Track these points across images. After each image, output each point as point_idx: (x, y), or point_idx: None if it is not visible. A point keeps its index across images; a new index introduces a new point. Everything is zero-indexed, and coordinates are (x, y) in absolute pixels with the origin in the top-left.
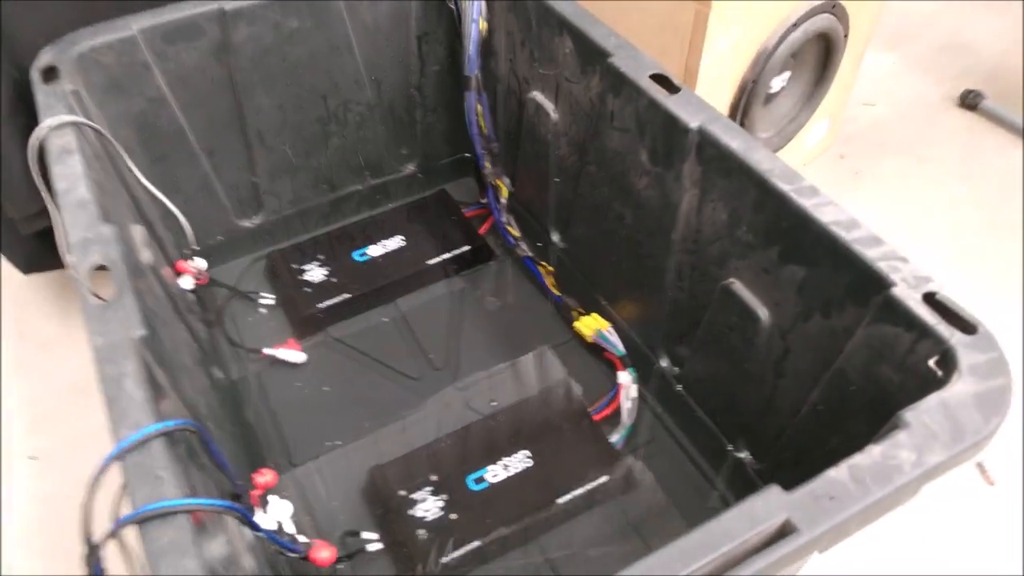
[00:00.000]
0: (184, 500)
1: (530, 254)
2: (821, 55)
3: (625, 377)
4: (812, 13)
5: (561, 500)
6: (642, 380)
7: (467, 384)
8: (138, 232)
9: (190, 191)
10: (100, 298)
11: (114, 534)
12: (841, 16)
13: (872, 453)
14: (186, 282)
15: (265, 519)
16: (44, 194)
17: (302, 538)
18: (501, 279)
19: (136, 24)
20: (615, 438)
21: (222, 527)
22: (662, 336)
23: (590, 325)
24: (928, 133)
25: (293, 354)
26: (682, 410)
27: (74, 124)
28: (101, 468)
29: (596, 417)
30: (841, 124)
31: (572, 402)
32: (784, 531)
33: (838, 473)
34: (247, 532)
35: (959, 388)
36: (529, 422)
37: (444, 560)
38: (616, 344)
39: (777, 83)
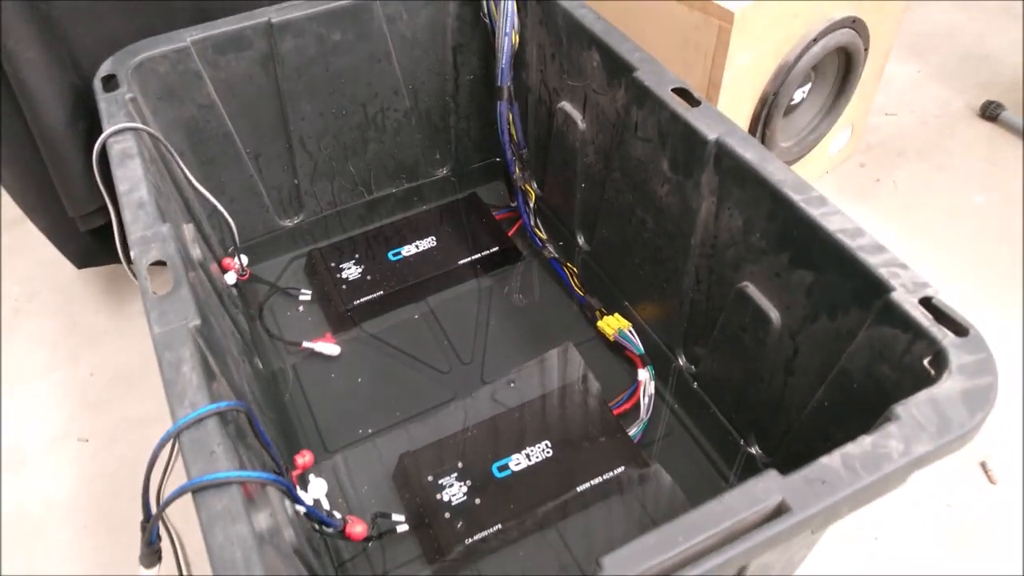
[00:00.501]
0: (236, 472)
1: (556, 255)
2: (841, 68)
3: (644, 374)
4: (832, 28)
5: (580, 488)
6: (660, 378)
7: (493, 378)
8: (189, 230)
9: (235, 192)
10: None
11: (172, 502)
12: (861, 31)
13: (863, 443)
14: (230, 278)
15: (305, 496)
16: (105, 195)
17: (337, 514)
18: (528, 279)
19: (190, 36)
20: (633, 431)
21: (266, 502)
22: (680, 336)
23: (612, 324)
24: (948, 143)
25: (329, 347)
26: (698, 407)
27: (134, 130)
28: (161, 442)
29: (616, 412)
30: (862, 133)
31: (593, 397)
32: (779, 511)
33: (831, 460)
34: (288, 507)
35: (948, 385)
36: (551, 414)
37: (468, 542)
38: (636, 343)
39: (798, 95)
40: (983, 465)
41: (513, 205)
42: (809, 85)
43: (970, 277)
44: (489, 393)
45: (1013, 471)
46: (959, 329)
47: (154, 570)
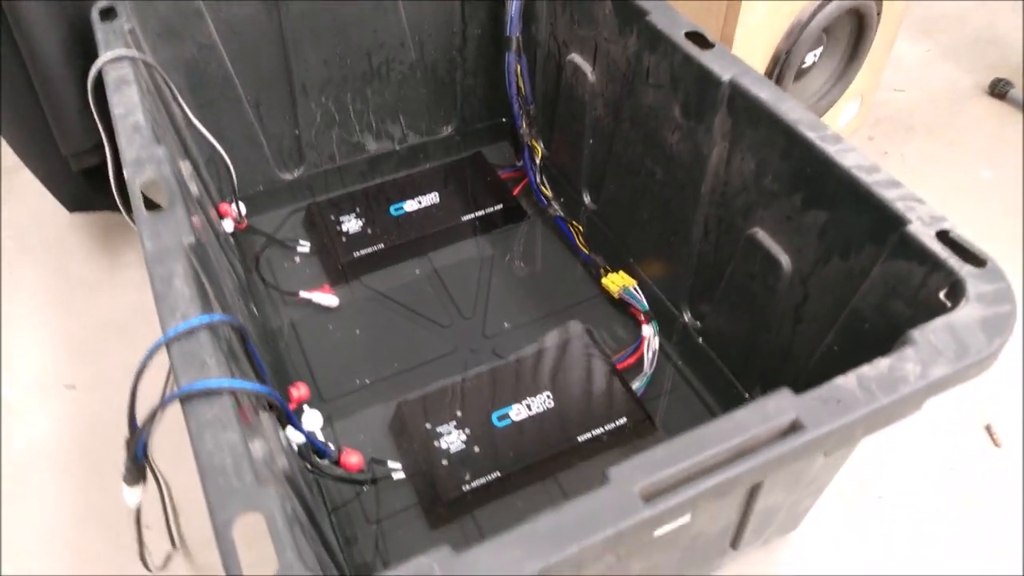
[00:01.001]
0: (228, 380)
1: (561, 214)
2: (854, 32)
3: (648, 330)
4: None
5: (581, 439)
6: (665, 335)
7: (494, 333)
8: (186, 168)
9: (234, 139)
10: (153, 206)
11: (160, 411)
12: None
13: (880, 365)
14: (227, 225)
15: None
16: (100, 127)
17: (331, 446)
18: (532, 238)
19: None
20: (636, 385)
21: (259, 430)
22: (686, 291)
23: (617, 282)
24: (956, 119)
25: (327, 298)
26: (703, 362)
27: (131, 59)
28: (149, 353)
29: (619, 366)
30: (871, 107)
31: (596, 350)
32: (793, 428)
33: (846, 380)
34: (282, 438)
35: (966, 312)
36: (553, 366)
37: (465, 489)
38: (641, 299)
39: (810, 58)
40: (988, 428)
41: (519, 164)
42: (821, 49)
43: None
44: (490, 347)
45: (1017, 434)
46: (977, 261)
47: (138, 491)
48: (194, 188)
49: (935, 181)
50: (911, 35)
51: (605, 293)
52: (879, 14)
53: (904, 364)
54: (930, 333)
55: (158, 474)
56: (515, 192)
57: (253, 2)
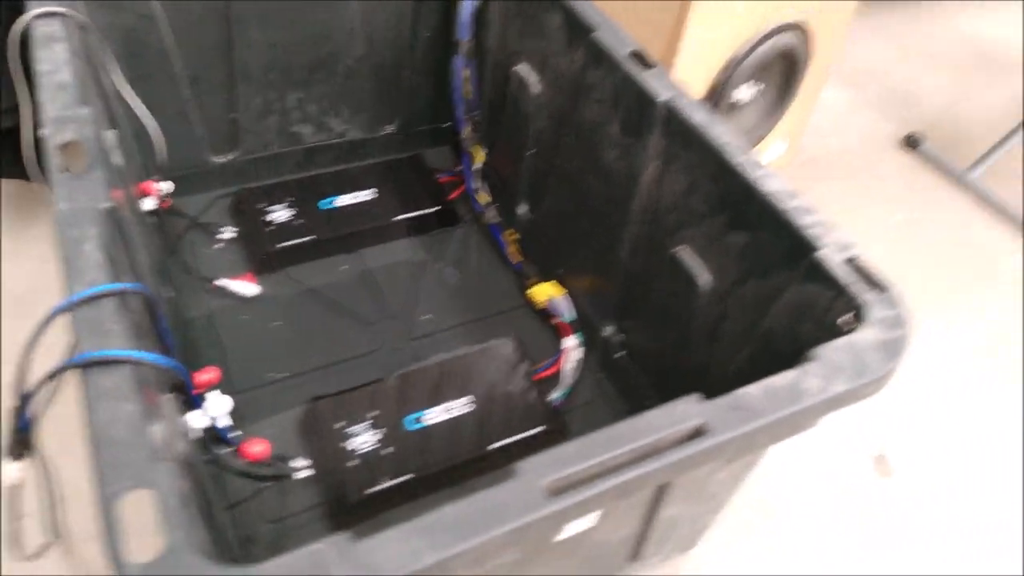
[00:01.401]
0: (130, 351)
1: (496, 221)
2: (785, 73)
3: (570, 341)
4: (780, 30)
5: (494, 446)
6: (589, 347)
7: (418, 336)
8: (111, 136)
9: (167, 116)
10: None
11: (53, 378)
12: (806, 38)
13: (785, 377)
14: (149, 203)
15: (202, 414)
16: (18, 83)
17: (236, 434)
18: (466, 243)
19: None
20: (555, 395)
21: (161, 412)
22: (613, 305)
23: (544, 292)
24: (873, 166)
25: (247, 287)
26: (623, 376)
27: (63, 16)
28: (51, 315)
29: (538, 376)
30: (798, 148)
31: (516, 358)
32: (699, 432)
33: (753, 390)
34: (183, 422)
35: (866, 334)
36: (472, 372)
37: (371, 491)
38: (567, 311)
39: (744, 93)
40: (879, 457)
41: (458, 169)
42: (755, 85)
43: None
44: (413, 350)
45: (910, 463)
46: (879, 286)
47: (18, 468)
48: (117, 159)
49: (849, 222)
50: (838, 84)
51: (532, 303)
52: (809, 58)
53: (807, 378)
54: (832, 351)
55: (42, 456)
56: (452, 196)
57: None
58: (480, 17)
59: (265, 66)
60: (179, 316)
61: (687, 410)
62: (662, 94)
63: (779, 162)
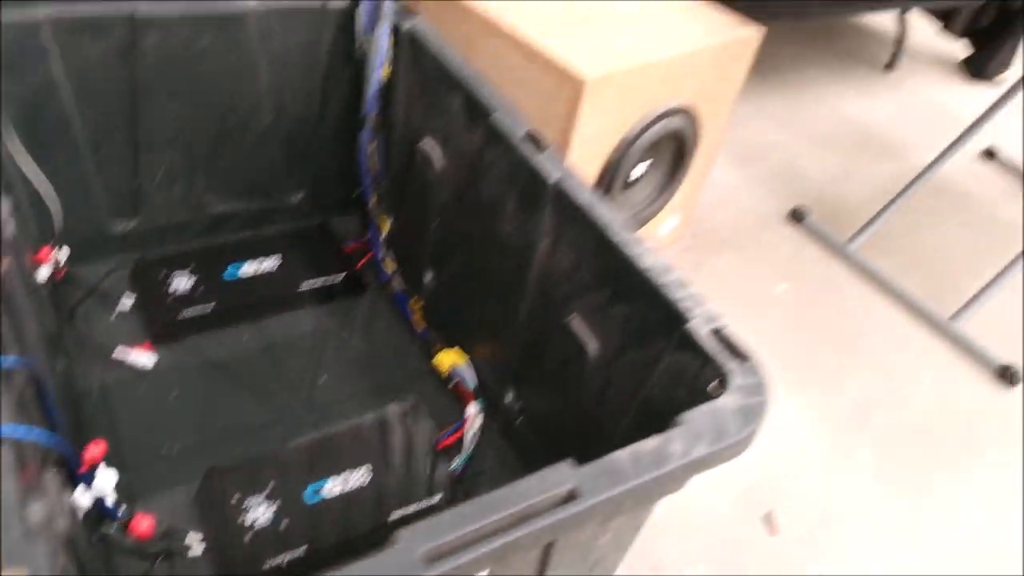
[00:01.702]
0: (11, 427)
1: (402, 289)
2: (676, 153)
3: (472, 409)
4: (669, 113)
5: (393, 518)
6: (490, 414)
7: (320, 405)
8: (5, 205)
9: (66, 182)
10: None
11: None
12: (694, 120)
13: (651, 443)
14: (43, 272)
15: (88, 491)
16: None
17: (123, 510)
18: (372, 311)
19: (45, 12)
20: (455, 463)
21: (42, 490)
22: (512, 373)
23: (448, 359)
24: (761, 239)
25: (145, 357)
26: (522, 442)
27: None
28: None
29: (440, 444)
30: (690, 222)
31: (418, 426)
32: (571, 496)
33: (622, 455)
34: (66, 499)
35: (727, 400)
36: (373, 440)
37: (266, 567)
38: (470, 378)
39: (637, 171)
40: (767, 515)
41: (366, 238)
42: (648, 164)
43: (769, 354)
44: (314, 419)
45: (796, 521)
46: (741, 356)
47: None
48: (10, 228)
49: (738, 291)
50: (729, 162)
51: (437, 370)
52: (697, 139)
53: (672, 443)
54: (696, 416)
55: None
56: (359, 265)
57: (108, 45)
58: (387, 93)
59: (170, 135)
60: (72, 388)
61: (560, 475)
62: (553, 175)
63: (673, 235)
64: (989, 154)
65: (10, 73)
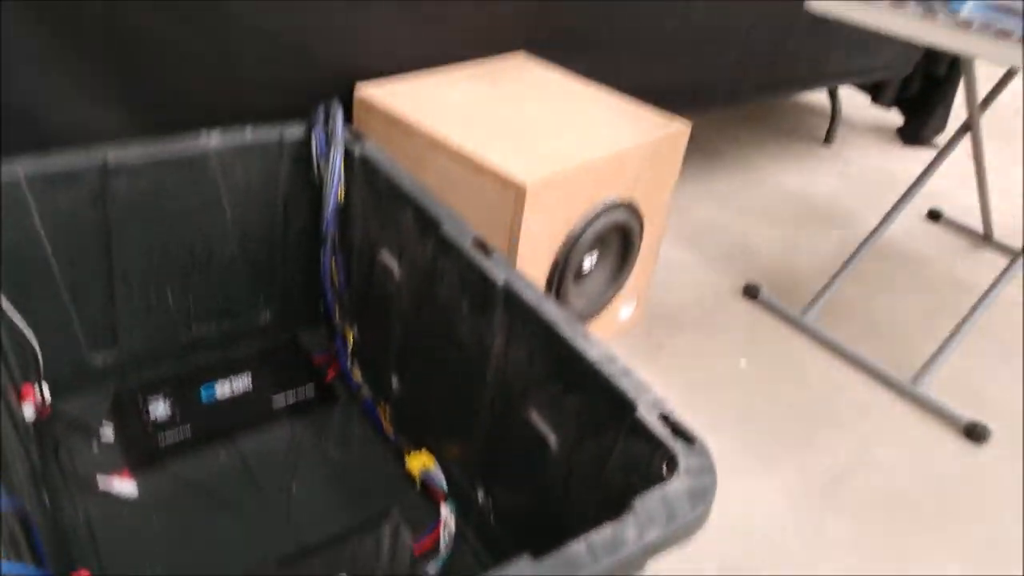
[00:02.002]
0: (5, 563)
1: (370, 397)
2: (622, 243)
3: (444, 510)
4: (609, 208)
5: None
6: (463, 515)
7: (299, 520)
8: None
9: (45, 321)
10: None
11: None
12: (635, 212)
13: (605, 531)
14: (27, 410)
15: None
16: None
17: None
18: (344, 421)
19: (23, 169)
20: (432, 570)
21: None
22: (479, 471)
23: (419, 462)
24: (718, 317)
25: (126, 485)
26: (496, 540)
27: None
28: None
29: (418, 549)
30: (647, 305)
31: (396, 535)
32: None
33: (578, 545)
34: None
35: (675, 484)
36: (352, 551)
37: None
38: (440, 480)
39: (588, 263)
40: None
41: (332, 349)
42: (596, 256)
43: (736, 429)
44: (293, 533)
45: None
46: (688, 439)
47: None
48: None
49: (700, 370)
50: (679, 242)
51: (410, 474)
52: (642, 228)
53: (625, 530)
54: (647, 501)
55: None
56: (329, 375)
57: (81, 192)
58: (344, 212)
59: (143, 269)
60: (58, 520)
61: (519, 570)
62: (501, 278)
63: (632, 319)
64: (934, 215)
65: None
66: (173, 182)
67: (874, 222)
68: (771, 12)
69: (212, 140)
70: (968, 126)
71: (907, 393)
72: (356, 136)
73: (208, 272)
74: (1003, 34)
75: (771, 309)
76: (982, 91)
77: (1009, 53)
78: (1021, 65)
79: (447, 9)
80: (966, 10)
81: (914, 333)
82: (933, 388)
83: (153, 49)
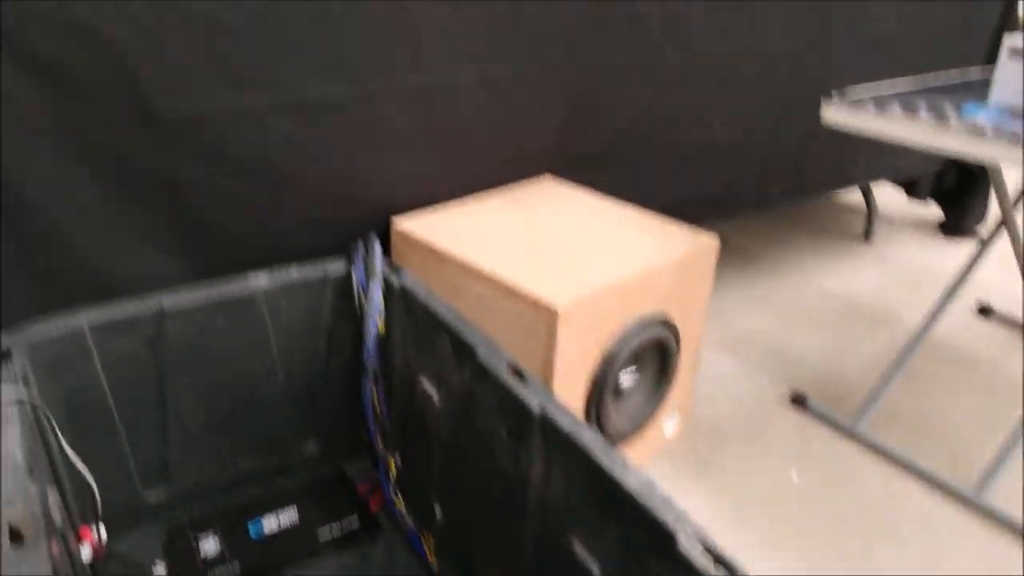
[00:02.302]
0: None
1: (414, 527)
2: (659, 357)
3: None
4: (645, 324)
5: None
6: None
7: None
8: (53, 496)
9: (103, 462)
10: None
11: None
12: (670, 326)
13: None
14: (85, 551)
15: None
16: None
17: None
18: (389, 551)
19: (86, 318)
20: None
21: None
22: None
23: None
24: (765, 428)
25: None
26: None
27: (18, 402)
28: None
29: None
30: (691, 418)
31: None
32: None
33: None
34: None
35: None
36: None
37: None
38: None
39: (626, 380)
40: None
41: (376, 478)
42: (634, 373)
43: (791, 546)
44: None
45: None
46: (732, 569)
47: None
48: (58, 517)
49: (750, 485)
50: (721, 350)
51: None
52: (678, 343)
53: None
54: None
55: None
56: (372, 505)
57: (137, 338)
58: (384, 342)
59: (194, 408)
60: None
61: None
62: (537, 405)
63: (676, 434)
64: (984, 311)
65: (60, 373)
66: (223, 323)
67: (921, 320)
68: (791, 120)
69: (260, 280)
70: (1003, 222)
71: (971, 503)
72: (394, 268)
73: (255, 407)
74: (1016, 137)
75: (820, 417)
76: (1014, 182)
77: None
78: None
79: (474, 144)
80: (979, 116)
81: (973, 437)
82: (999, 497)
83: (208, 199)
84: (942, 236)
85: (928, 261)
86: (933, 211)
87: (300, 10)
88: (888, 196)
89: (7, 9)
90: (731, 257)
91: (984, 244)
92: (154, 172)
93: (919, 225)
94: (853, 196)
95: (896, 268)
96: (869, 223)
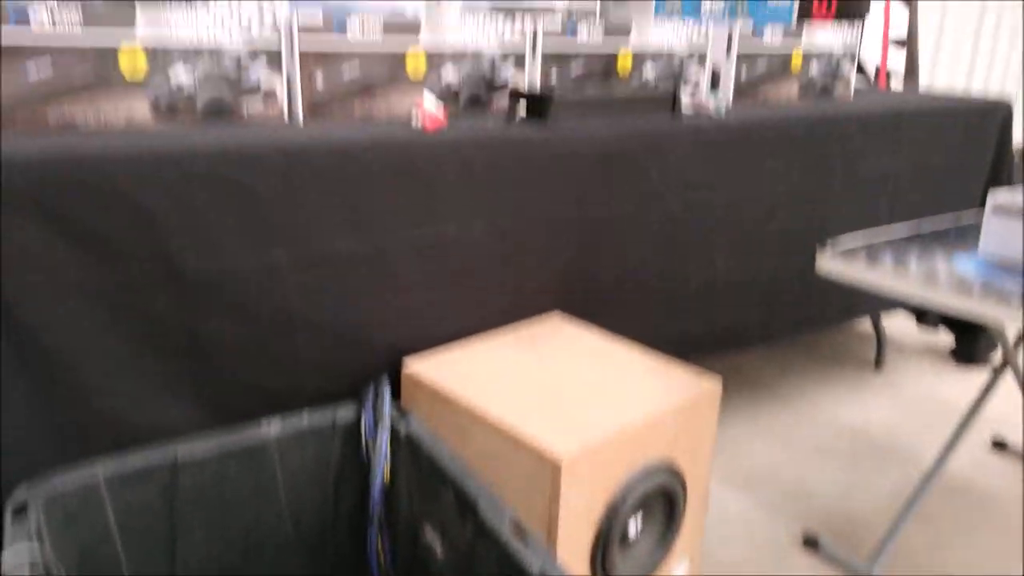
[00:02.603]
0: None
1: None
2: (666, 503)
3: None
4: (650, 471)
5: None
6: None
7: None
8: None
9: None
10: None
11: None
12: (675, 472)
13: None
14: None
15: None
16: None
17: None
18: None
19: (102, 470)
20: None
21: None
22: None
23: None
24: (778, 571)
25: None
26: None
27: (31, 563)
28: None
29: None
30: (701, 563)
31: None
32: None
33: None
34: None
35: None
36: None
37: None
38: None
39: (633, 528)
40: None
41: None
42: (642, 519)
43: None
44: None
45: None
46: None
47: None
48: None
49: None
50: (731, 488)
51: None
52: (685, 487)
53: None
54: None
55: None
56: None
57: (151, 488)
58: (391, 490)
59: (204, 557)
60: None
61: None
62: (536, 568)
63: None
64: (999, 444)
65: (73, 526)
66: (235, 471)
67: (935, 454)
68: (794, 258)
69: (272, 428)
70: (1005, 363)
71: None
72: (402, 413)
73: (262, 556)
74: (1003, 296)
75: (834, 561)
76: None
77: (1013, 314)
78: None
79: (484, 287)
80: (968, 269)
81: None
82: None
83: (226, 349)
84: (954, 363)
85: (940, 389)
86: (944, 338)
87: (324, 177)
88: (898, 323)
89: (49, 178)
90: (740, 386)
91: (996, 374)
92: (176, 325)
93: (930, 352)
94: (862, 323)
95: (908, 398)
96: (879, 351)
